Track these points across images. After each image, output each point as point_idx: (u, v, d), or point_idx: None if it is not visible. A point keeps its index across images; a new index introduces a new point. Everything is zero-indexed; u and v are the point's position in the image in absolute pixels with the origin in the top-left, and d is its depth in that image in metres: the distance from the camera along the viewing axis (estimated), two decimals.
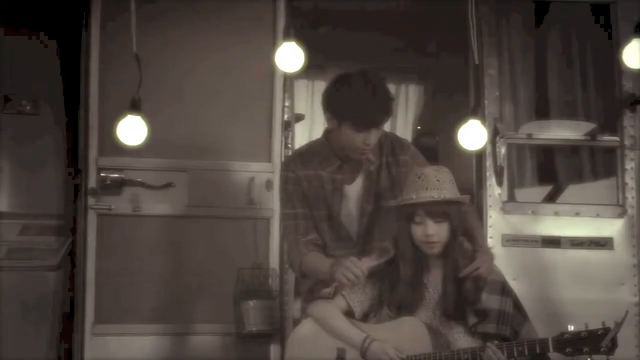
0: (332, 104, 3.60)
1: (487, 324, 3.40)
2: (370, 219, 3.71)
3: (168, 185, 4.75)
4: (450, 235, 3.45)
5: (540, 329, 3.52)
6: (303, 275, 3.83)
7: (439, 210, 3.42)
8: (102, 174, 4.70)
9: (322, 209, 3.71)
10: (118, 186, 4.70)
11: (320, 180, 3.70)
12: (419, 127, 6.98)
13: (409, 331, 3.41)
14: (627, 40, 4.67)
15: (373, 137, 3.58)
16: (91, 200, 4.69)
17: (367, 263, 3.48)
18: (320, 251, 3.72)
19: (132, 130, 4.22)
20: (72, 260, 4.80)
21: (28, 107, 4.94)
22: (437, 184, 3.42)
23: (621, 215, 4.99)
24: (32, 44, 4.90)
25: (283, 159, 4.70)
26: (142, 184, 4.72)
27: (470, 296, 3.41)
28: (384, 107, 3.57)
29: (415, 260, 3.49)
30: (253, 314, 4.57)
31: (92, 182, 4.69)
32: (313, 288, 3.76)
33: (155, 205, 4.73)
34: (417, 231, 3.45)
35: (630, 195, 5.00)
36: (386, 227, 3.73)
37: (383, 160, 3.73)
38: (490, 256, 3.57)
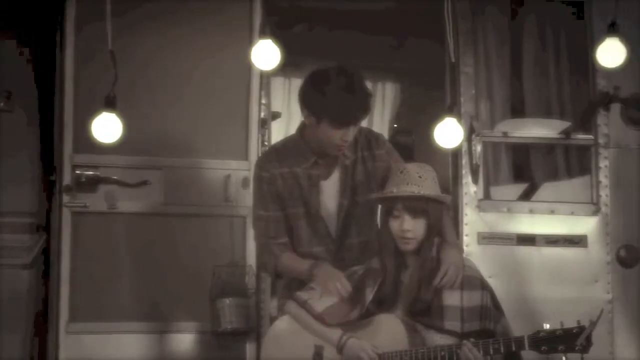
0: (310, 101, 3.58)
1: (472, 322, 3.41)
2: (347, 214, 3.71)
3: (144, 182, 4.72)
4: (427, 233, 3.46)
5: (515, 326, 3.54)
6: (278, 276, 3.84)
7: (417, 206, 3.42)
8: (77, 172, 4.67)
9: (299, 206, 3.70)
10: (93, 184, 4.67)
11: (295, 178, 3.69)
12: (395, 125, 6.99)
13: (386, 328, 3.42)
14: (601, 39, 4.70)
15: (351, 133, 3.58)
16: (66, 198, 4.66)
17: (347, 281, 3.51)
18: (292, 253, 3.72)
19: (107, 127, 4.21)
20: (46, 258, 4.77)
21: (2, 104, 4.90)
22: (419, 180, 3.43)
23: (595, 213, 5.03)
24: (5, 41, 4.86)
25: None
26: (117, 182, 4.70)
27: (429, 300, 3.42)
28: (363, 104, 3.57)
29: (394, 256, 3.49)
30: (229, 311, 4.55)
31: (66, 180, 4.66)
32: (290, 285, 3.75)
33: (131, 203, 4.70)
34: (394, 225, 3.45)
35: (604, 193, 5.03)
36: (363, 222, 3.74)
37: (359, 155, 3.72)
38: (459, 249, 3.61)
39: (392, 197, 3.45)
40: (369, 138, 3.76)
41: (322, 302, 3.50)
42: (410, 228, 3.43)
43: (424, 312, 3.42)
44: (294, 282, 3.72)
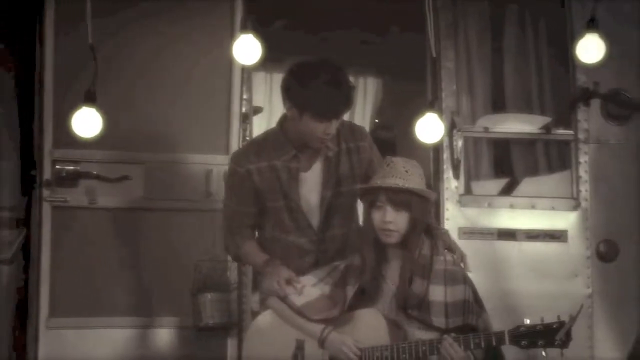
0: (293, 94, 3.57)
1: (456, 317, 3.42)
2: (329, 206, 3.71)
3: (124, 177, 4.71)
4: (410, 228, 3.45)
5: (495, 321, 3.55)
6: (238, 260, 3.97)
7: (400, 198, 3.42)
8: (57, 167, 4.65)
9: (279, 199, 3.70)
10: (73, 178, 4.66)
11: (274, 171, 3.68)
12: (376, 120, 7.00)
13: (368, 323, 3.42)
14: (580, 35, 4.73)
15: (333, 126, 3.58)
16: (46, 193, 4.64)
17: (307, 281, 3.54)
18: (254, 242, 3.77)
19: (87, 122, 4.21)
20: (26, 253, 4.75)
21: None
22: (405, 174, 3.43)
23: (575, 207, 5.06)
24: None
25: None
26: (97, 177, 4.68)
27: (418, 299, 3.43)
28: (347, 98, 3.56)
29: (375, 249, 3.49)
30: (210, 306, 4.55)
31: (46, 175, 4.64)
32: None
33: (111, 197, 4.69)
34: (376, 216, 3.45)
35: (584, 188, 5.06)
36: (346, 214, 3.75)
37: (342, 147, 3.72)
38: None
39: (376, 188, 3.45)
40: (353, 129, 3.76)
41: (301, 298, 3.51)
42: (392, 220, 3.42)
43: (413, 307, 3.42)
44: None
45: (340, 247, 3.71)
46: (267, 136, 3.78)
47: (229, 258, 4.64)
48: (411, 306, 3.41)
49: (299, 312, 3.48)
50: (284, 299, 3.52)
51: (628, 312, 4.90)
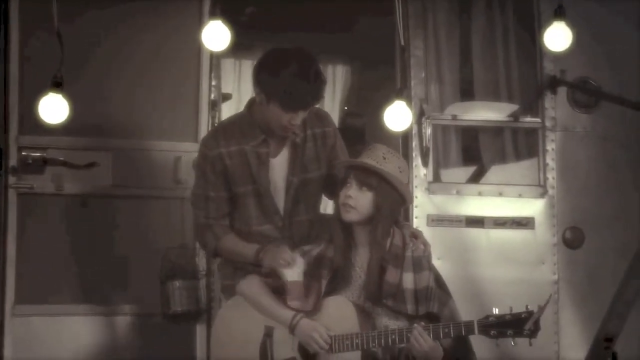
0: (263, 80, 3.56)
1: (422, 305, 3.43)
2: (296, 192, 3.70)
3: (92, 164, 4.67)
4: (373, 211, 3.44)
5: (463, 307, 3.58)
6: (216, 255, 3.84)
7: (367, 178, 3.42)
8: (23, 153, 4.60)
9: (247, 184, 3.68)
10: (40, 165, 4.61)
11: (244, 155, 3.67)
12: (346, 108, 7.01)
13: (337, 310, 3.43)
14: (548, 23, 4.76)
15: (299, 117, 3.58)
16: (12, 180, 4.59)
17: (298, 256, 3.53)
18: (234, 235, 3.72)
19: (53, 108, 4.16)
20: None
21: None
22: (381, 159, 3.44)
23: (542, 195, 5.10)
24: None
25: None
26: (64, 163, 4.64)
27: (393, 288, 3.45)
28: (316, 91, 3.56)
29: (341, 229, 3.49)
30: (179, 294, 4.54)
31: (12, 161, 4.59)
32: (235, 272, 3.75)
33: (79, 184, 4.65)
34: (341, 193, 3.46)
35: (551, 175, 5.11)
36: (313, 199, 3.75)
37: (308, 133, 3.71)
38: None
39: (348, 166, 3.46)
40: (318, 115, 3.76)
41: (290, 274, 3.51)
42: (353, 196, 3.42)
43: (388, 296, 3.42)
44: (239, 271, 3.71)
45: (305, 233, 3.71)
46: (235, 120, 3.76)
47: (197, 245, 4.65)
48: (386, 296, 3.43)
49: (284, 288, 3.47)
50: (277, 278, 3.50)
51: (594, 298, 4.95)
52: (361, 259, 3.51)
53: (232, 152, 3.67)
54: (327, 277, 3.47)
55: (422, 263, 3.49)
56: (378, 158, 3.44)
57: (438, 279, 3.55)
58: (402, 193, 3.48)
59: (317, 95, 3.58)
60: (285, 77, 3.49)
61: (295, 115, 3.55)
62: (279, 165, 3.70)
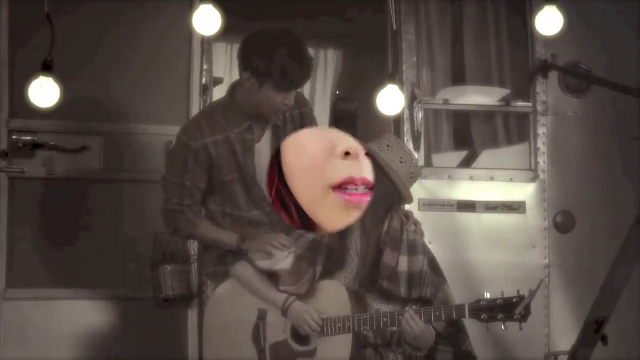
0: (254, 64, 3.55)
1: (415, 289, 3.45)
2: None
3: (83, 148, 4.66)
4: None
5: (455, 291, 3.59)
6: (190, 238, 3.89)
7: None
8: (13, 137, 4.58)
9: (234, 172, 3.68)
10: (30, 149, 4.59)
11: (229, 143, 3.66)
12: (337, 92, 6.99)
13: (330, 294, 3.44)
14: (539, 7, 4.76)
15: (292, 97, 3.59)
16: (2, 163, 4.57)
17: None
18: (208, 221, 3.73)
19: (44, 92, 4.14)
20: None
21: None
22: (385, 147, 3.45)
23: (533, 179, 5.11)
24: None
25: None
26: (55, 147, 4.63)
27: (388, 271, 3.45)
28: (307, 69, 3.59)
29: None
30: (170, 278, 4.54)
31: (2, 145, 4.58)
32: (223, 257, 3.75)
33: (70, 168, 4.64)
34: None
35: (542, 159, 5.12)
36: None
37: (287, 115, 3.73)
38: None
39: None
40: (296, 96, 3.74)
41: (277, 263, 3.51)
42: None
43: (384, 278, 3.43)
44: (228, 255, 3.71)
45: None
46: (218, 107, 3.75)
47: None
48: (382, 277, 3.43)
49: (274, 274, 3.47)
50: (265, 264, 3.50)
51: (584, 282, 4.97)
52: (356, 243, 3.51)
53: (218, 141, 3.66)
54: (322, 262, 3.47)
55: (416, 247, 3.50)
56: (382, 145, 3.45)
57: (433, 262, 3.56)
58: (396, 183, 3.46)
59: (308, 74, 3.61)
60: (278, 58, 3.49)
61: (289, 94, 3.57)
62: (264, 149, 3.71)
